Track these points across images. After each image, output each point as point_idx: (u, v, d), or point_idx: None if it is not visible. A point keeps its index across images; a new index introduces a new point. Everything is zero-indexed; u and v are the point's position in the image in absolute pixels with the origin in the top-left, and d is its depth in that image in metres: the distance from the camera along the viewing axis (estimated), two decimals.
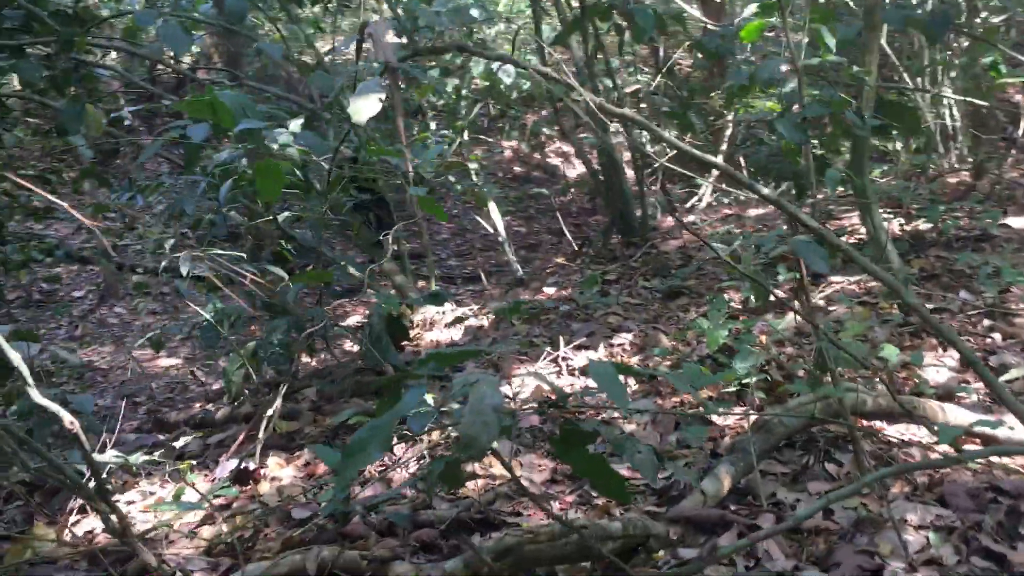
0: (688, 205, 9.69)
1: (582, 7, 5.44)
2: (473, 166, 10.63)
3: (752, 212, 8.23)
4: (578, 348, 4.58)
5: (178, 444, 3.38)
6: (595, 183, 7.73)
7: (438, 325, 5.46)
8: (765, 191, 2.53)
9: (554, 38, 5.23)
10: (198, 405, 4.49)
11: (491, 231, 10.60)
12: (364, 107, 2.64)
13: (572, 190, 12.40)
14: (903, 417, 3.17)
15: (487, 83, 10.49)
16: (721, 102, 7.75)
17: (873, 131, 5.04)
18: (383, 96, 2.64)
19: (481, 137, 13.68)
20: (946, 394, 3.66)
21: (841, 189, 7.19)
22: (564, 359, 4.35)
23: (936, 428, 2.41)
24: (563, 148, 14.81)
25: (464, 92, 10.91)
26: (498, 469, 3.27)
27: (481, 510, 2.89)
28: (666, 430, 3.56)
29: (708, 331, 3.79)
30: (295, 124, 3.71)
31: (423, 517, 2.87)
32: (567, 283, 6.40)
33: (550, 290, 6.19)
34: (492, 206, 10.41)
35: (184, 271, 3.13)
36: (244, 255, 3.28)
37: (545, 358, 4.40)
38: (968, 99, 6.55)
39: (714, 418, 3.61)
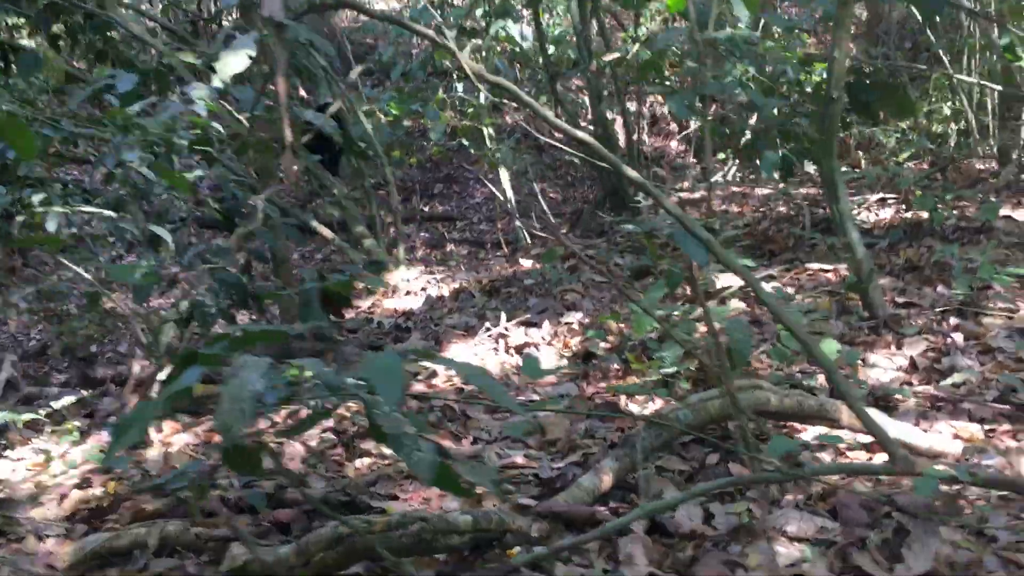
0: (715, 179, 9.41)
1: None
2: (489, 131, 10.48)
3: (759, 191, 7.95)
4: (526, 324, 4.44)
5: (56, 404, 3.31)
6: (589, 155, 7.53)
7: (399, 293, 5.35)
8: (631, 173, 2.34)
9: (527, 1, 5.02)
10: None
11: (501, 197, 10.47)
12: (232, 63, 2.50)
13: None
14: (814, 419, 2.97)
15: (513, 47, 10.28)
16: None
17: (857, 111, 4.79)
18: (253, 53, 2.50)
19: (506, 102, 13.46)
20: (882, 396, 3.45)
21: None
22: (502, 336, 4.20)
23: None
24: (608, 115, 14.57)
25: (484, 54, 10.69)
26: (388, 449, 3.15)
27: (349, 492, 2.77)
28: (577, 418, 3.42)
29: (635, 316, 3.61)
30: (219, 80, 3.59)
31: (289, 496, 2.77)
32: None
33: (527, 262, 6.04)
34: (503, 173, 10.27)
35: (51, 228, 3.04)
36: (113, 213, 3.16)
37: (485, 333, 4.26)
38: (981, 83, 6.20)
39: (634, 409, 3.46)
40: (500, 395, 1.74)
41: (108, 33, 6.01)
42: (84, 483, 3.00)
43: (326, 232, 5.66)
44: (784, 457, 2.96)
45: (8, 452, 3.34)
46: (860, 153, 9.19)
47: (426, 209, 12.86)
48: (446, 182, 14.00)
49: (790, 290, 4.81)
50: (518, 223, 10.10)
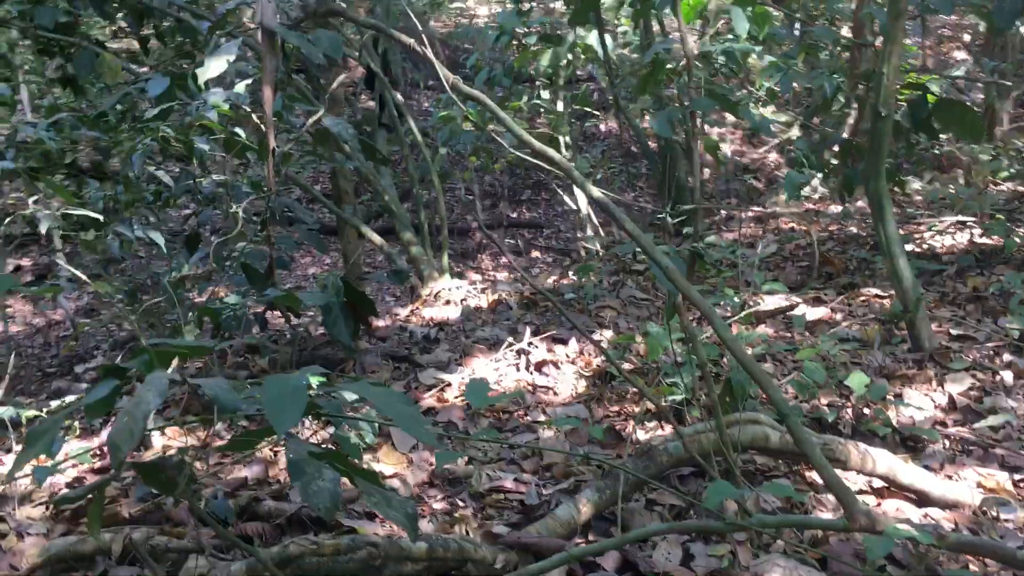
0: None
1: None
2: (566, 139, 10.44)
3: (834, 208, 7.61)
4: (553, 340, 4.33)
5: (55, 402, 3.35)
6: (652, 167, 7.35)
7: (439, 302, 5.30)
8: (593, 190, 2.22)
9: (572, 15, 4.91)
10: None
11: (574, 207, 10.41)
12: (212, 67, 2.50)
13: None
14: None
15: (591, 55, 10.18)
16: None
17: (917, 129, 4.53)
18: (232, 58, 2.49)
19: (588, 111, 13.35)
20: (910, 436, 3.23)
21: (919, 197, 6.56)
22: (524, 352, 4.11)
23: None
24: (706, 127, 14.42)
25: (566, 62, 10.63)
26: (379, 464, 3.09)
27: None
28: (580, 441, 3.30)
29: (649, 338, 3.46)
30: (241, 85, 3.60)
31: (262, 508, 2.73)
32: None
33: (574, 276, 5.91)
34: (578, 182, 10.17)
35: (43, 229, 3.08)
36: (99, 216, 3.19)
37: (508, 348, 4.17)
38: None
39: (641, 436, 3.32)
40: (414, 426, 1.65)
41: (198, 37, 6.14)
42: (75, 483, 3.04)
43: (375, 237, 5.65)
44: (789, 500, 2.80)
45: (18, 447, 3.41)
46: (958, 171, 8.76)
47: (513, 215, 12.82)
48: (535, 188, 13.95)
49: (839, 316, 4.58)
50: (590, 234, 10.00)
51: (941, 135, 4.89)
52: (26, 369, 6.79)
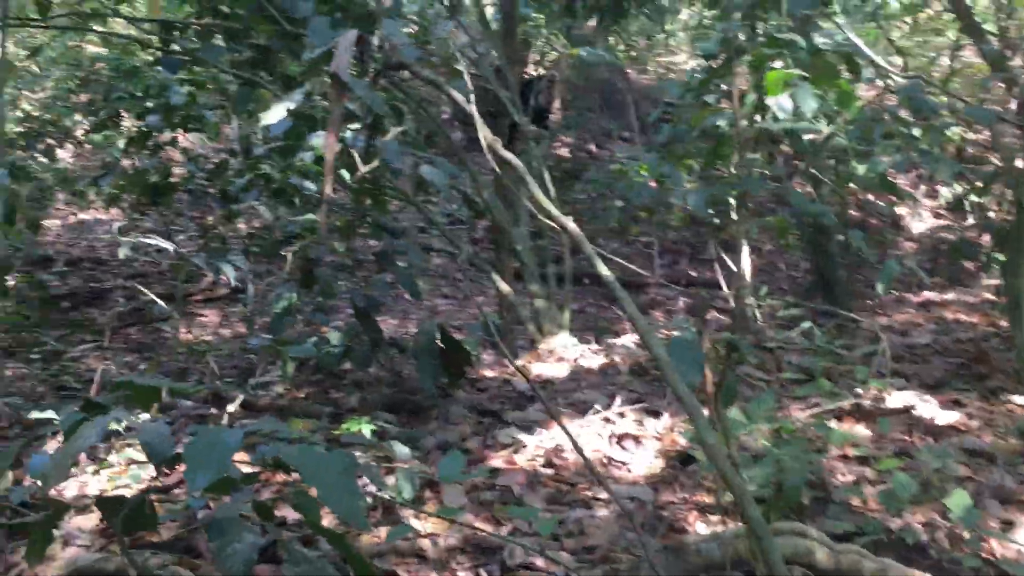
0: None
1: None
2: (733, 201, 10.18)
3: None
4: (647, 412, 4.15)
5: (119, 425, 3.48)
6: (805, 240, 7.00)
7: (552, 358, 5.21)
8: (603, 269, 2.05)
9: (698, 83, 4.72)
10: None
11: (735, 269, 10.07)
12: (274, 112, 2.58)
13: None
14: None
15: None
16: None
17: None
18: (292, 106, 2.55)
19: (764, 173, 12.95)
20: (1002, 573, 2.84)
21: None
22: (609, 421, 3.95)
23: None
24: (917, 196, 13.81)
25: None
26: (416, 521, 3.04)
27: (342, 560, 2.69)
28: (626, 525, 3.12)
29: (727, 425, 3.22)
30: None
31: (282, 552, 2.73)
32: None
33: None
34: (744, 247, 9.91)
35: (122, 254, 3.24)
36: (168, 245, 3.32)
37: (595, 415, 4.03)
38: None
39: (701, 529, 3.10)
40: (338, 501, 1.58)
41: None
42: None
43: (503, 286, 5.65)
44: None
45: (110, 456, 3.60)
46: None
47: (694, 273, 12.60)
48: (723, 247, 13.77)
49: (975, 423, 4.13)
50: (751, 300, 9.64)
51: None
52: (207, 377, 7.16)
